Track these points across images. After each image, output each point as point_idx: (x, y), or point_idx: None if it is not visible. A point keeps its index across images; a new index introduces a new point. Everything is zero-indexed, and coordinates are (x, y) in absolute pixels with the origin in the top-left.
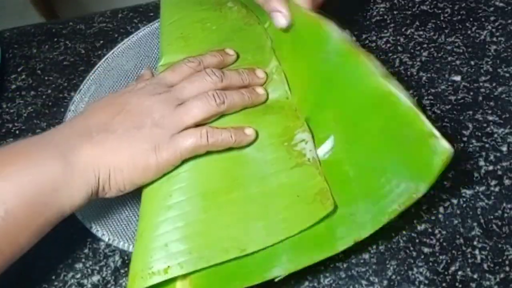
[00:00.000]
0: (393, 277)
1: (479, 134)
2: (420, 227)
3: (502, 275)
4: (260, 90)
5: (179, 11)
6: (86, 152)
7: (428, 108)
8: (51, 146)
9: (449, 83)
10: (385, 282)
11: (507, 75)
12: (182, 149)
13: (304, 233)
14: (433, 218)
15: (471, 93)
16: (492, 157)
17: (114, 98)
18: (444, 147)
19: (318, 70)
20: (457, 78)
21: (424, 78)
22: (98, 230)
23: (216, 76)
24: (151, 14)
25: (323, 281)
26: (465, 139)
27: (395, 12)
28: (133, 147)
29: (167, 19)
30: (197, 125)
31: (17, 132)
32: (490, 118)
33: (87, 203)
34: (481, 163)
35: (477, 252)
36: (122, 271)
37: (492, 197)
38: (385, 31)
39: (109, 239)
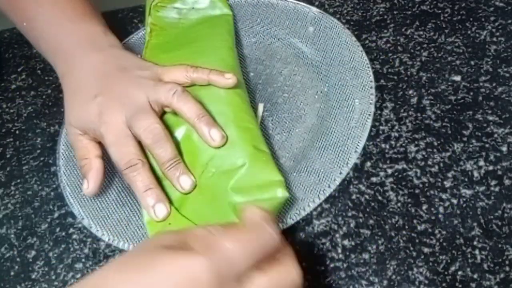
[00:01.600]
0: (393, 277)
1: (479, 134)
2: (420, 227)
3: (502, 275)
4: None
5: None
6: None
7: (428, 108)
8: None
9: (449, 83)
10: (385, 282)
11: (507, 75)
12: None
13: None
14: (433, 218)
15: (471, 93)
16: (492, 157)
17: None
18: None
19: None
20: (457, 78)
21: (424, 78)
22: (98, 230)
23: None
24: None
25: (323, 281)
26: (465, 139)
27: (395, 12)
28: None
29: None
30: None
31: (17, 132)
32: (490, 118)
33: None
34: (481, 163)
35: (477, 252)
36: None
37: (492, 197)
38: (385, 31)
39: (109, 239)
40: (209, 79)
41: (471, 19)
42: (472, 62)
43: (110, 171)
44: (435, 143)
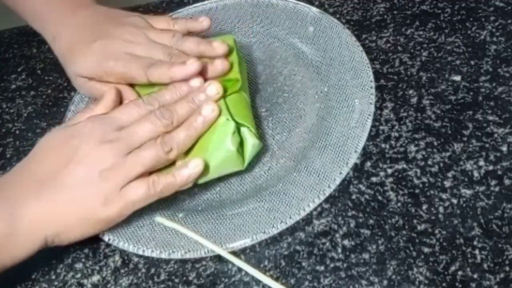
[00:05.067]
0: (393, 277)
1: (479, 134)
2: (420, 227)
3: (502, 275)
4: (206, 112)
5: None
6: (33, 210)
7: (428, 108)
8: None
9: (449, 83)
10: (385, 282)
11: (507, 75)
12: (132, 201)
13: None
14: (433, 218)
15: (471, 93)
16: (492, 157)
17: (63, 141)
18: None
19: None
20: (457, 78)
21: (424, 78)
22: None
23: (166, 120)
24: (151, 14)
25: (323, 281)
26: (465, 139)
27: (395, 12)
28: (82, 203)
29: None
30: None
31: (17, 132)
32: (490, 118)
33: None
34: (481, 163)
35: (477, 252)
36: (122, 271)
37: (492, 197)
38: (385, 31)
39: (109, 239)
40: (187, 27)
41: (471, 19)
42: (472, 62)
43: None
44: (435, 143)
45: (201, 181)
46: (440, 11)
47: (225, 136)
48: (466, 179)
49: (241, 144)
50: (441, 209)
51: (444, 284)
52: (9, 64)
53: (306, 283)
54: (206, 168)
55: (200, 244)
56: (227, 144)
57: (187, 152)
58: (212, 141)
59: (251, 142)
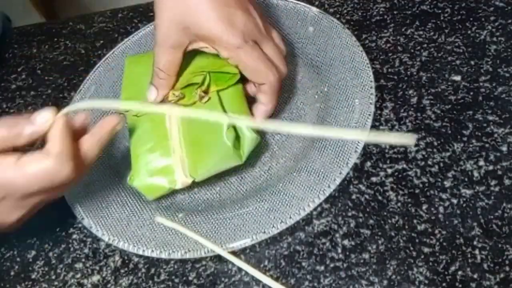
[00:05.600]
0: (393, 277)
1: (479, 134)
2: (420, 227)
3: (502, 275)
4: None
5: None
6: None
7: (428, 108)
8: None
9: (449, 83)
10: (385, 282)
11: (507, 75)
12: None
13: None
14: (433, 218)
15: (471, 93)
16: (492, 157)
17: None
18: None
19: None
20: (457, 78)
21: (424, 78)
22: (98, 230)
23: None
24: (151, 14)
25: (323, 281)
26: (465, 139)
27: (395, 12)
28: None
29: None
30: None
31: None
32: (490, 118)
33: None
34: (481, 163)
35: (477, 252)
36: (122, 271)
37: (492, 197)
38: (385, 31)
39: (109, 239)
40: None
41: (471, 19)
42: (472, 62)
43: (111, 171)
44: (435, 143)
45: (200, 178)
46: (440, 11)
47: (219, 132)
48: (466, 179)
49: (237, 139)
50: (441, 209)
51: (444, 284)
52: (9, 64)
53: (306, 283)
54: (204, 166)
55: (200, 244)
56: (222, 139)
57: (189, 150)
58: (207, 138)
59: (248, 136)
